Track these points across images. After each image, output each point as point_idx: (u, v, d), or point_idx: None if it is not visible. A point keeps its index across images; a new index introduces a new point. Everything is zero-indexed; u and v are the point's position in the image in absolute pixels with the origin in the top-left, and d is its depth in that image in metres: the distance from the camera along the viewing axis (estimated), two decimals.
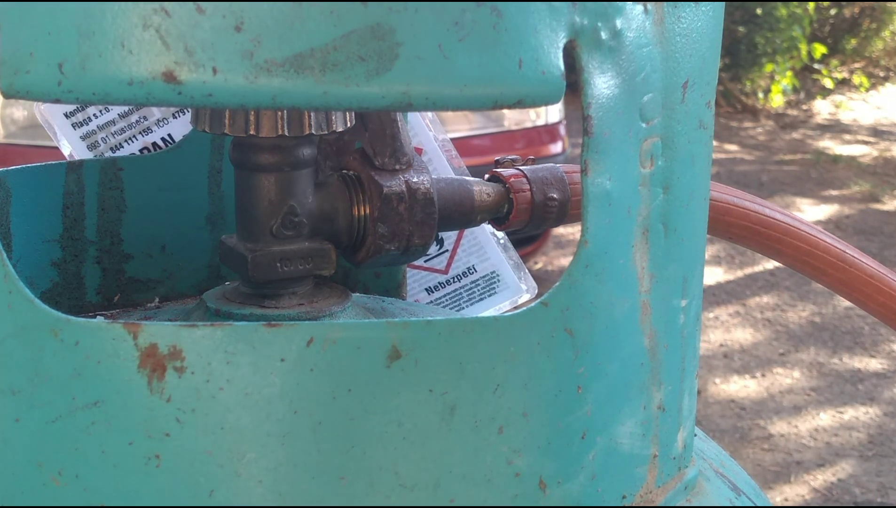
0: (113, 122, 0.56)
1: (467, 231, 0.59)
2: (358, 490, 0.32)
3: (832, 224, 4.25)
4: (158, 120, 0.56)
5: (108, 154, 0.56)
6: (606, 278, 0.35)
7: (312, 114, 0.41)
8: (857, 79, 7.26)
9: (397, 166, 0.43)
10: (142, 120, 0.56)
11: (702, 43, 0.38)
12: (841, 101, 6.94)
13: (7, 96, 0.30)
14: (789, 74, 6.54)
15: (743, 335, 3.26)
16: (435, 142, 0.57)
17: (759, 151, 5.61)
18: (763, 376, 2.98)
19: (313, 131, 0.41)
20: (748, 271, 3.83)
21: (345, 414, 0.32)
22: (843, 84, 7.27)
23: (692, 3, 0.37)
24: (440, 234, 0.58)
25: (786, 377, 2.98)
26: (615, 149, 0.35)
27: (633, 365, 0.37)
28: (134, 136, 0.56)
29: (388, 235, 0.43)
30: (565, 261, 3.69)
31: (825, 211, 4.43)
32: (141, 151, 0.56)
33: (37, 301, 0.31)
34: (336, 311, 0.43)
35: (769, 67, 6.46)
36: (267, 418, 0.31)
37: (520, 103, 0.31)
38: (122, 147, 0.56)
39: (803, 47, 6.56)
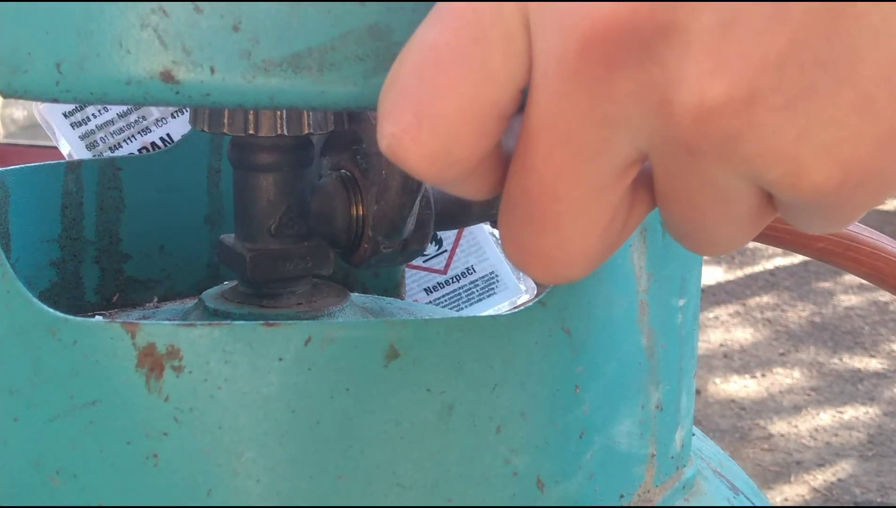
0: (111, 121, 0.56)
1: (466, 231, 0.59)
2: (356, 489, 0.32)
3: None
4: (157, 120, 0.56)
5: (107, 154, 0.56)
6: (604, 277, 0.35)
7: (311, 113, 0.41)
8: None
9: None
10: (140, 120, 0.56)
11: None
12: None
13: (5, 96, 0.30)
14: None
15: (743, 335, 3.26)
16: None
17: None
18: (763, 376, 2.98)
19: (312, 131, 0.41)
20: (748, 271, 3.83)
21: (343, 413, 0.32)
22: None
23: None
24: (439, 234, 0.58)
25: (786, 377, 2.98)
26: None
27: (631, 365, 0.37)
28: (133, 135, 0.56)
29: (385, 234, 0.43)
30: None
31: None
32: (140, 150, 0.56)
33: (35, 301, 0.31)
34: (334, 310, 0.43)
35: None
36: (265, 417, 0.31)
37: None
38: (121, 147, 0.56)
39: None
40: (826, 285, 3.70)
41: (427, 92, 0.24)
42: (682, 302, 0.39)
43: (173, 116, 0.57)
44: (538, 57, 0.23)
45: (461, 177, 0.25)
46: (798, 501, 2.34)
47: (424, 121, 0.24)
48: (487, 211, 0.47)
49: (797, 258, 3.79)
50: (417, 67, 0.24)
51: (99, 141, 0.56)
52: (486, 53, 0.23)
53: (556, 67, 0.23)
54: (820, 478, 2.43)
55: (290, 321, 0.32)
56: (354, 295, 0.51)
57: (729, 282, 3.72)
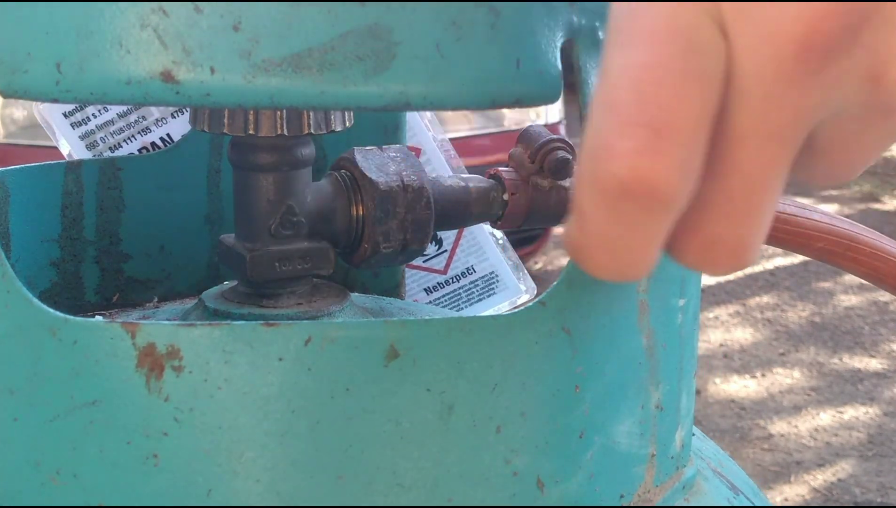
0: (111, 121, 0.56)
1: (466, 231, 0.59)
2: (356, 489, 0.32)
3: None
4: (157, 120, 0.56)
5: (107, 154, 0.56)
6: None
7: (311, 113, 0.41)
8: None
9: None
10: (140, 120, 0.56)
11: None
12: None
13: (5, 96, 0.30)
14: None
15: (743, 335, 3.26)
16: (434, 142, 0.57)
17: None
18: (763, 376, 2.98)
19: (312, 131, 0.41)
20: (748, 270, 3.83)
21: (343, 413, 0.32)
22: None
23: None
24: (439, 234, 0.58)
25: (786, 377, 2.98)
26: None
27: (631, 365, 0.37)
28: (133, 135, 0.56)
29: (385, 234, 0.43)
30: (565, 261, 3.68)
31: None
32: (140, 150, 0.56)
33: (35, 301, 0.31)
34: (334, 310, 0.43)
35: None
36: (265, 417, 0.31)
37: (518, 103, 0.31)
38: (121, 147, 0.56)
39: None
40: (826, 285, 3.70)
41: (658, 107, 0.24)
42: (682, 302, 0.39)
43: (173, 116, 0.57)
44: (746, 64, 0.25)
45: (685, 193, 0.26)
46: (798, 501, 2.34)
47: (665, 134, 0.24)
48: (487, 211, 0.47)
49: (797, 258, 3.79)
50: (637, 88, 0.25)
51: (99, 141, 0.56)
52: (702, 62, 0.25)
53: (772, 72, 0.24)
54: (820, 478, 2.43)
55: (290, 321, 0.32)
56: (354, 295, 0.51)
57: (729, 282, 3.72)
